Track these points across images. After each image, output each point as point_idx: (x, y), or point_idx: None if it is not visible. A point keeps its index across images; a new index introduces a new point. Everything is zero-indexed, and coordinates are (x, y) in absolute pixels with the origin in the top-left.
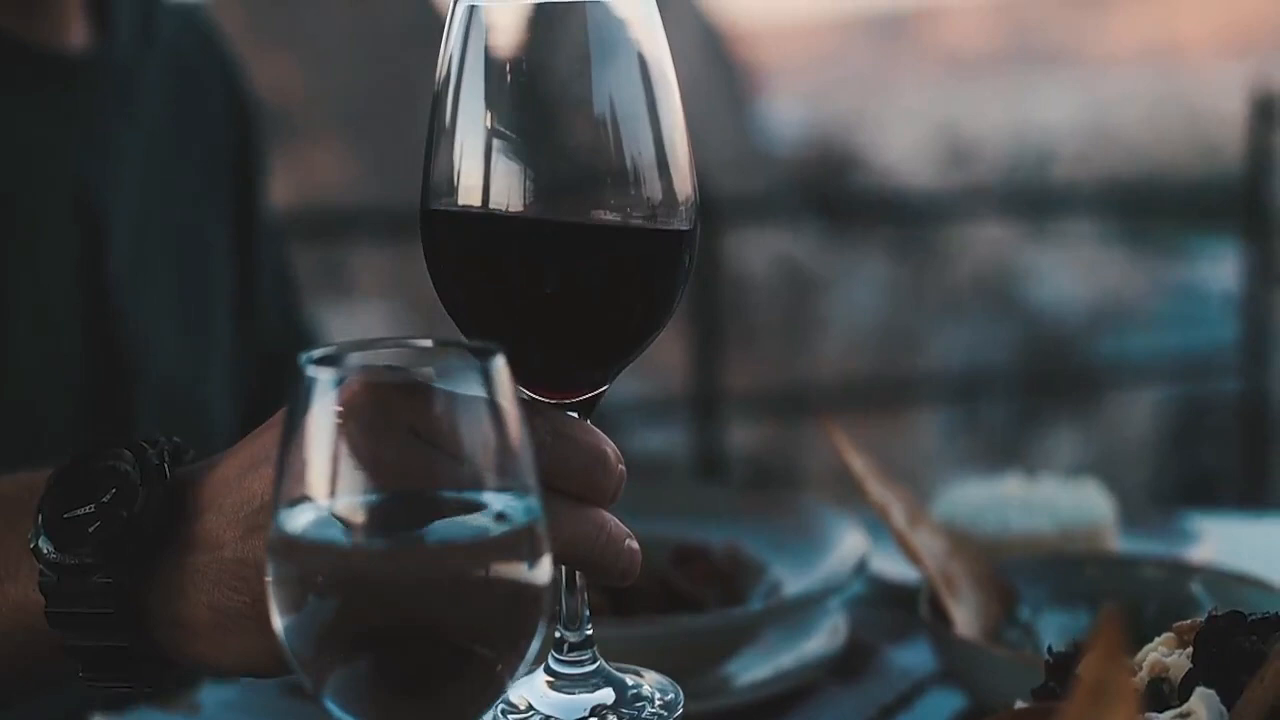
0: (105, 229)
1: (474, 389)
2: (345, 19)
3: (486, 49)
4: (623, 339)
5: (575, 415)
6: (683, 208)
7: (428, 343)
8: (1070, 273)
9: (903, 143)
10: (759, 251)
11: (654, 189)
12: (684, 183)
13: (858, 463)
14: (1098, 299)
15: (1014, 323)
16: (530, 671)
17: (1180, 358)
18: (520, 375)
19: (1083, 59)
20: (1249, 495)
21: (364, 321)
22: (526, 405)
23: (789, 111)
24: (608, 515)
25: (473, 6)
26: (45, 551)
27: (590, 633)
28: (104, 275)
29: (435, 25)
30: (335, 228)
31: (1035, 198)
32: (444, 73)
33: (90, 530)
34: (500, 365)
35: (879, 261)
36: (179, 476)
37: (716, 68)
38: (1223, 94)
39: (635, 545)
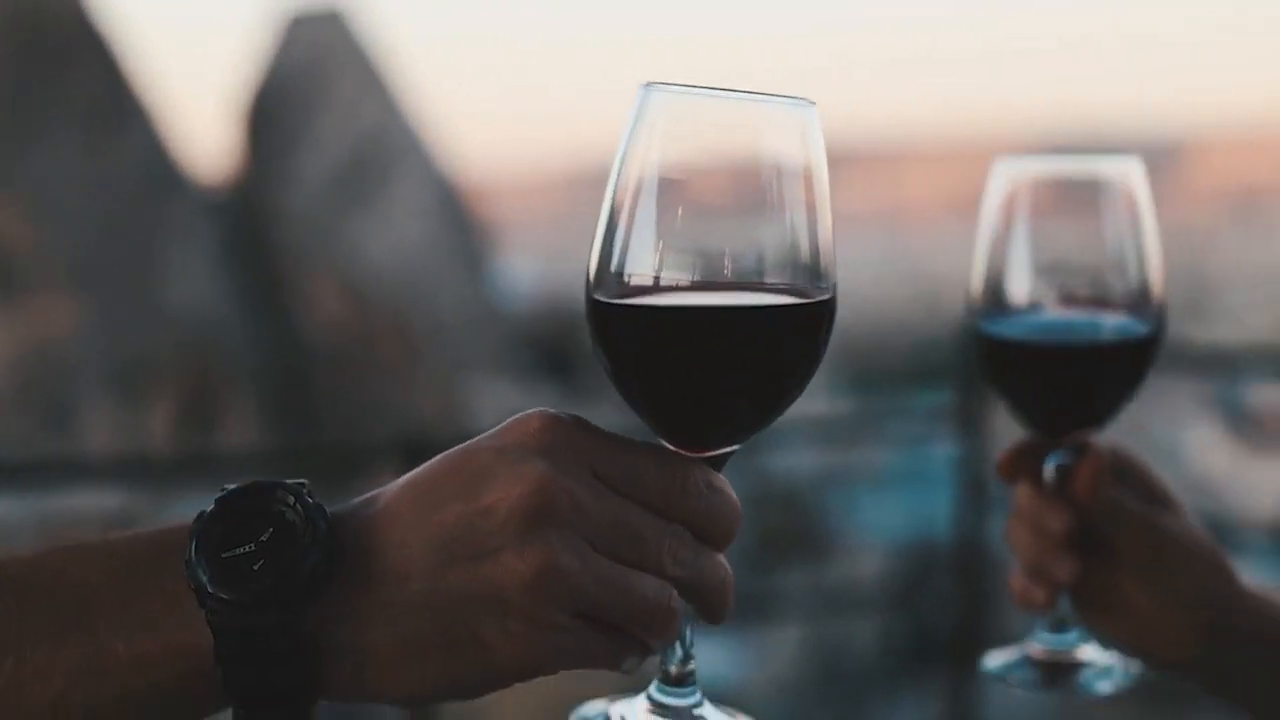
0: None
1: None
2: (79, 166)
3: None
4: (773, 403)
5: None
6: (825, 280)
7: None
8: (800, 427)
9: None
10: (492, 405)
11: (805, 267)
12: (830, 259)
13: None
14: (826, 455)
15: (747, 481)
16: (633, 697)
17: (905, 514)
18: (669, 433)
19: None
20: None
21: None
22: (686, 458)
23: (524, 268)
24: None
25: (653, 91)
26: (211, 589)
27: (693, 668)
28: None
29: (171, 175)
30: (61, 377)
31: None
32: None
33: (255, 568)
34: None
35: (611, 417)
36: (336, 514)
37: (453, 224)
38: (945, 252)
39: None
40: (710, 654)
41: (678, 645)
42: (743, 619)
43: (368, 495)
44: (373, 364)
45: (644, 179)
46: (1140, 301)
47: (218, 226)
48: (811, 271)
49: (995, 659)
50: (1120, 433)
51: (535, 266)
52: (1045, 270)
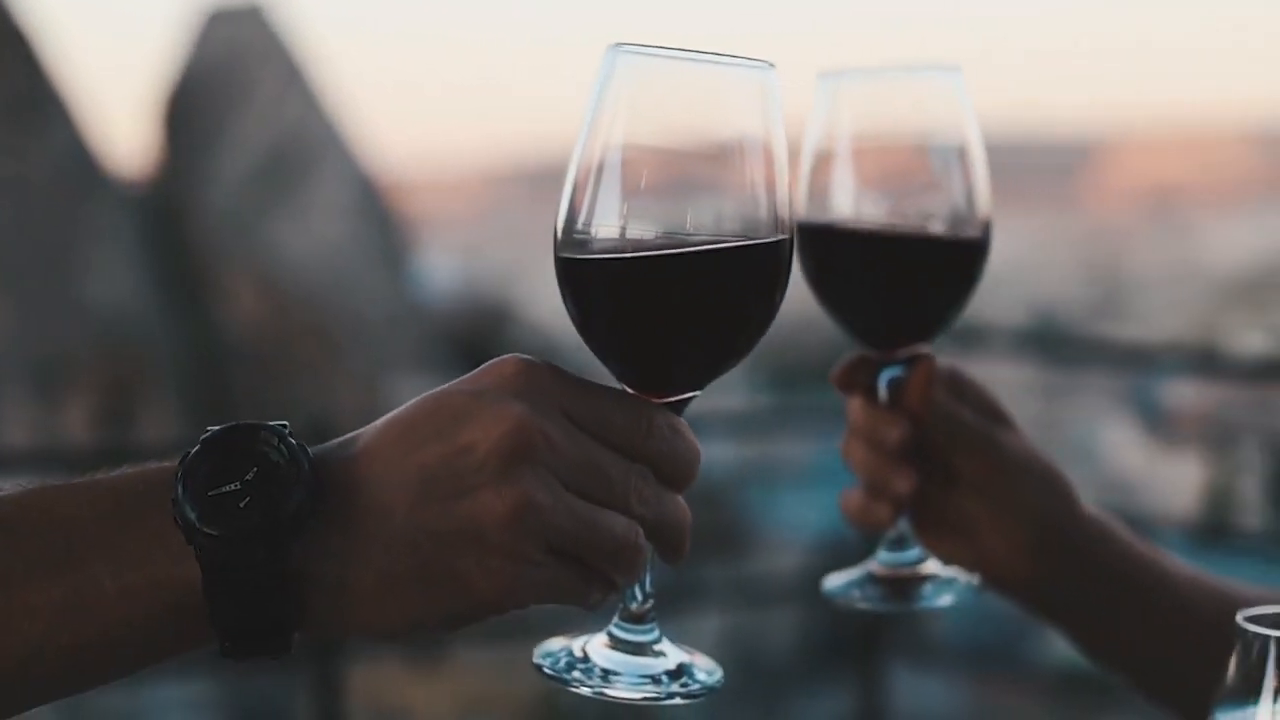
0: None
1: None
2: None
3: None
4: (731, 347)
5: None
6: (782, 222)
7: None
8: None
9: (553, 294)
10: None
11: (764, 222)
12: (786, 212)
13: None
14: (745, 449)
15: None
16: (595, 633)
17: (823, 509)
18: (634, 380)
19: None
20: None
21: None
22: (650, 403)
23: (445, 264)
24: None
25: (618, 53)
26: (199, 526)
27: (652, 606)
28: None
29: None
30: None
31: None
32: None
33: (241, 506)
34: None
35: None
36: (318, 454)
37: (373, 221)
38: None
39: None
40: None
41: (637, 586)
42: (661, 613)
43: (348, 436)
44: (292, 361)
45: (609, 138)
46: (966, 212)
47: (137, 224)
48: (769, 225)
49: (836, 579)
50: (1035, 430)
51: (455, 262)
52: (871, 183)
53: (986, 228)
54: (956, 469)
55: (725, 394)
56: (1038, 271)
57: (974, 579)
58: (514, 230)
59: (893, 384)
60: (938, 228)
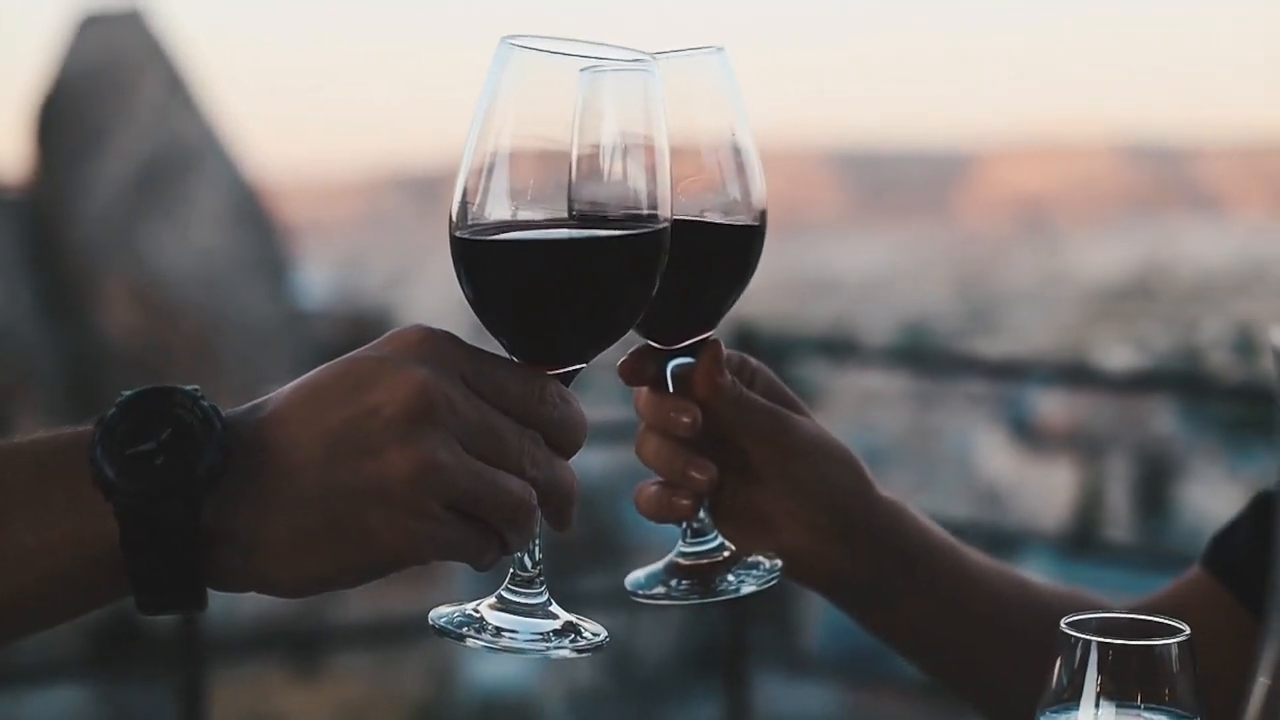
0: None
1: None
2: None
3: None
4: (613, 323)
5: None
6: (663, 214)
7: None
8: (592, 433)
9: (433, 302)
10: None
11: (644, 209)
12: (665, 199)
13: None
14: (619, 457)
15: None
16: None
17: None
18: (525, 353)
19: None
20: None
21: None
22: (542, 373)
23: (325, 272)
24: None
25: (510, 47)
26: (117, 482)
27: (540, 573)
28: None
29: None
30: None
31: None
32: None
33: (157, 464)
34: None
35: None
36: (229, 417)
37: (252, 228)
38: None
39: None
40: (502, 662)
41: (526, 556)
42: None
43: (258, 401)
44: (170, 369)
45: (502, 125)
46: (740, 196)
47: (13, 231)
48: (649, 213)
49: (639, 575)
50: (910, 439)
51: (335, 270)
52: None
53: (762, 214)
54: (750, 456)
55: (598, 404)
56: (911, 283)
57: (777, 562)
58: (393, 237)
59: (679, 372)
60: (713, 215)
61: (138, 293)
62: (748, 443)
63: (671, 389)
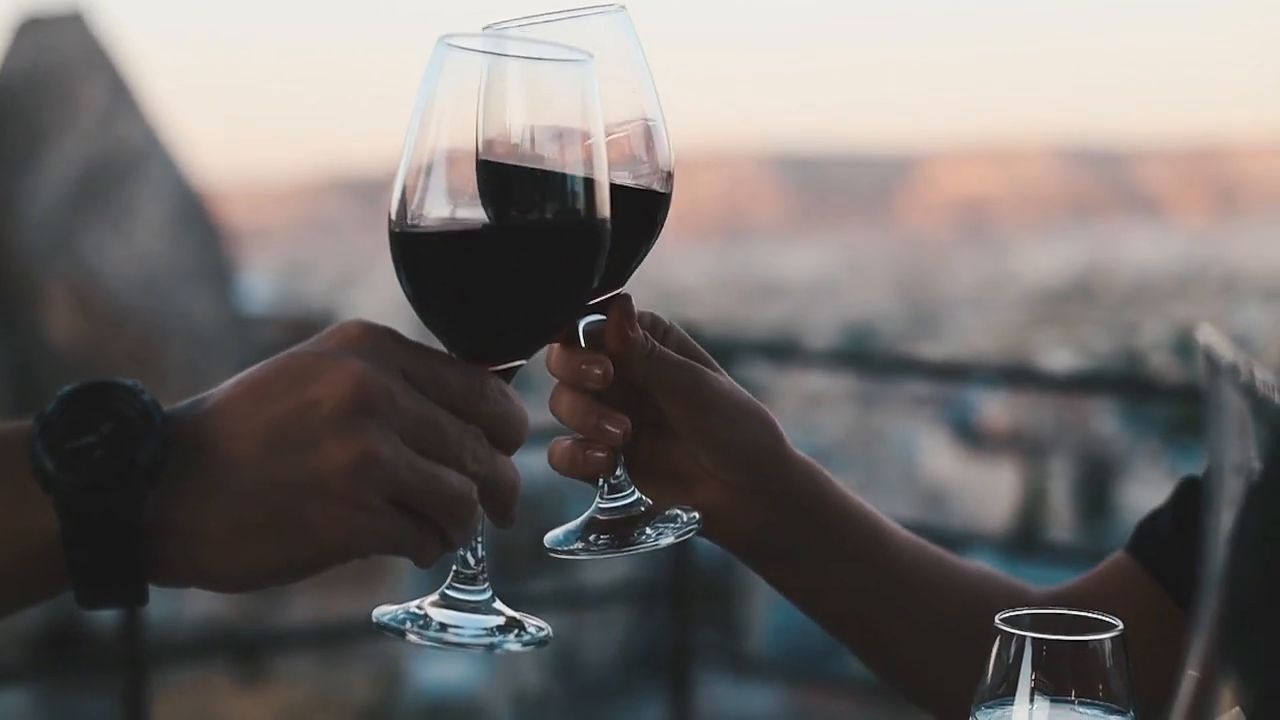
0: None
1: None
2: None
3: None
4: (551, 319)
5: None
6: (600, 209)
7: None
8: (535, 435)
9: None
10: None
11: (581, 206)
12: (604, 197)
13: None
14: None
15: None
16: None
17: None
18: (464, 349)
19: None
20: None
21: None
22: (483, 369)
23: (268, 275)
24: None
25: (447, 47)
26: (57, 475)
27: (483, 570)
28: None
29: None
30: None
31: None
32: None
33: (97, 456)
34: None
35: None
36: (170, 411)
37: (196, 233)
38: (689, 272)
39: None
40: (448, 665)
41: (469, 553)
42: None
43: (198, 396)
44: (112, 374)
45: (440, 123)
46: (646, 156)
47: None
48: (586, 209)
49: (557, 533)
50: (854, 441)
51: (278, 274)
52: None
53: (668, 176)
54: (664, 411)
55: (542, 407)
56: (854, 287)
57: (695, 515)
58: (336, 241)
59: (591, 329)
60: (621, 178)
61: (80, 298)
62: (661, 398)
63: (582, 343)
